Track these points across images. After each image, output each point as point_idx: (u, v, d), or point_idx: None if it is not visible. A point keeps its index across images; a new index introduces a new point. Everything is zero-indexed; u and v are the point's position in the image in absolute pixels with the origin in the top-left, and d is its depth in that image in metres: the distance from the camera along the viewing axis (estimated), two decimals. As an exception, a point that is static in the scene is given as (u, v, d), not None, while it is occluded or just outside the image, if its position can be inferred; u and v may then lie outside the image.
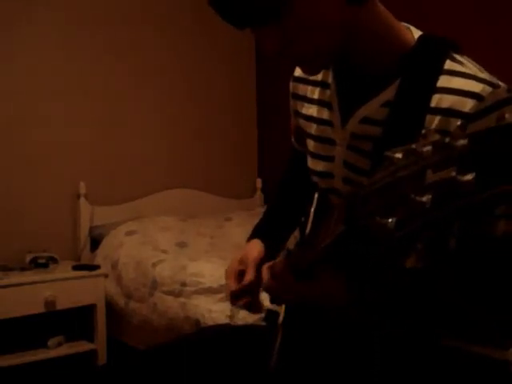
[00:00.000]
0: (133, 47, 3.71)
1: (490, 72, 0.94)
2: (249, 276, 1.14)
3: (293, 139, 1.33)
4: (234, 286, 1.17)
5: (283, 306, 1.18)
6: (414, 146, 0.57)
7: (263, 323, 1.28)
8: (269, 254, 1.20)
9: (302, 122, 1.17)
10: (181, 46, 3.90)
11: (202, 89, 4.00)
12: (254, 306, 1.17)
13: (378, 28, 0.96)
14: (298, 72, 1.18)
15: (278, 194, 1.39)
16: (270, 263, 1.03)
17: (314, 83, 1.12)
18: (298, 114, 1.18)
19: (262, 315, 1.29)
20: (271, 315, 1.25)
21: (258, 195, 4.21)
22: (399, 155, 0.59)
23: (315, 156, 1.12)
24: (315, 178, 1.14)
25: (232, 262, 1.22)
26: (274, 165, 4.08)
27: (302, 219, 1.28)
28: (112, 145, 3.62)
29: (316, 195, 1.19)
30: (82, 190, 3.44)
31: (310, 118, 1.13)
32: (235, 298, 1.17)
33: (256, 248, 1.21)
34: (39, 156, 3.36)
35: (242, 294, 1.16)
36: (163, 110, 3.85)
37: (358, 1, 0.92)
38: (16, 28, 3.29)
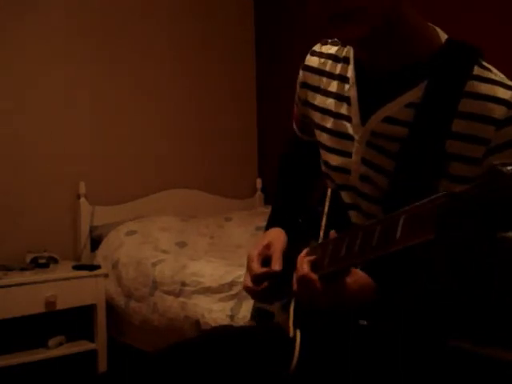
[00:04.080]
0: (132, 48, 3.71)
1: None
2: (277, 265, 1.14)
3: (295, 127, 1.32)
4: (258, 268, 1.16)
5: (291, 309, 1.16)
6: None
7: (252, 322, 1.27)
8: (290, 242, 1.20)
9: (313, 113, 1.16)
10: (181, 46, 3.90)
11: (202, 89, 4.00)
12: (270, 294, 1.16)
13: (413, 25, 0.98)
14: (310, 61, 1.18)
15: (284, 182, 1.38)
16: (306, 251, 1.03)
17: (330, 75, 1.12)
18: (308, 104, 1.18)
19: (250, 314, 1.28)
20: (260, 314, 1.24)
21: (258, 195, 4.21)
22: (510, 169, 0.59)
23: (330, 150, 1.11)
24: (330, 172, 1.14)
25: (255, 247, 1.20)
26: (274, 165, 4.07)
27: (310, 218, 1.27)
28: (112, 145, 3.62)
29: (328, 194, 1.18)
30: (82, 190, 3.44)
31: (325, 111, 1.12)
32: (257, 281, 1.15)
33: (280, 237, 1.21)
34: (39, 156, 3.36)
35: (264, 279, 1.15)
36: (163, 110, 3.85)
37: None
38: (16, 28, 3.29)
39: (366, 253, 0.84)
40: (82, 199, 3.45)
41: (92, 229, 3.48)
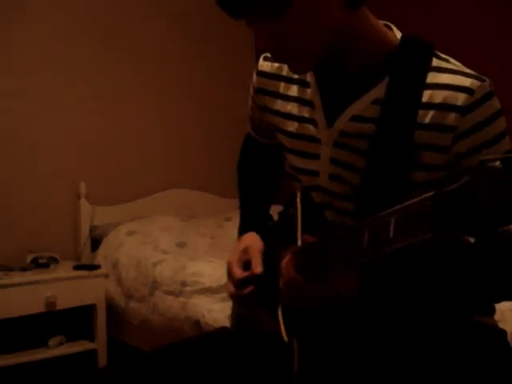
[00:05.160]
0: (133, 47, 3.71)
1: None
2: (258, 267, 1.14)
3: (251, 131, 1.32)
4: (240, 273, 1.16)
5: (279, 314, 1.16)
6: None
7: (231, 327, 1.26)
8: (265, 245, 1.21)
9: (273, 118, 1.16)
10: (181, 46, 3.91)
11: (202, 89, 4.00)
12: (255, 298, 1.16)
13: (366, 31, 1.00)
14: (264, 67, 1.18)
15: (248, 186, 1.38)
16: (290, 256, 1.03)
17: (289, 80, 1.12)
18: (267, 110, 1.17)
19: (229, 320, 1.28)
20: (241, 320, 1.24)
21: (258, 195, 4.20)
22: (498, 164, 0.60)
23: (296, 153, 1.11)
24: (296, 174, 1.14)
25: (233, 253, 1.21)
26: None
27: (282, 220, 1.27)
28: (112, 145, 3.63)
29: (298, 195, 1.18)
30: (83, 190, 3.44)
31: (287, 116, 1.12)
32: (240, 286, 1.16)
33: (256, 240, 1.22)
34: (39, 156, 3.36)
35: (247, 284, 1.15)
36: (163, 110, 3.85)
37: (354, 6, 0.96)
38: (15, 26, 3.29)
39: (358, 256, 0.84)
40: (82, 199, 3.45)
41: (92, 229, 3.48)
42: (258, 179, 1.37)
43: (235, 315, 1.28)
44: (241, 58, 4.15)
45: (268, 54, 1.18)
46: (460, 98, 0.93)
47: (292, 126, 1.11)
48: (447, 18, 3.01)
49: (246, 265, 1.18)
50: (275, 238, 1.21)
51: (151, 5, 3.79)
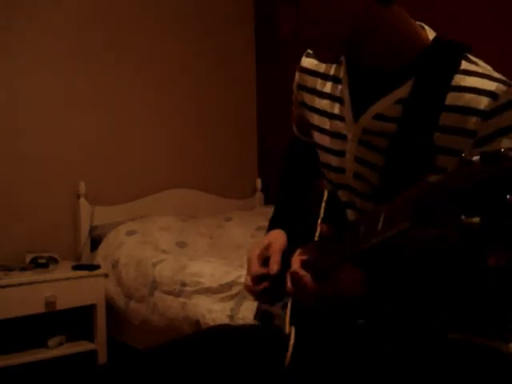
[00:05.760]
0: (133, 47, 3.71)
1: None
2: (275, 266, 1.15)
3: (295, 128, 1.33)
4: (257, 269, 1.17)
5: (288, 307, 1.17)
6: (501, 150, 0.59)
7: (256, 322, 1.27)
8: (290, 244, 1.21)
9: (310, 114, 1.17)
10: (181, 46, 3.90)
11: (202, 89, 4.00)
12: (270, 294, 1.18)
13: (397, 28, 0.99)
14: (306, 63, 1.19)
15: (285, 183, 1.40)
16: (299, 251, 1.04)
17: (325, 77, 1.13)
18: (305, 106, 1.19)
19: (254, 315, 1.29)
20: (263, 315, 1.25)
21: (258, 195, 4.21)
22: (477, 158, 0.59)
23: (327, 150, 1.12)
24: (327, 172, 1.15)
25: (254, 248, 1.22)
26: (274, 165, 4.08)
27: (309, 219, 1.28)
28: (112, 145, 3.63)
29: (325, 194, 1.19)
30: (82, 190, 3.44)
31: (321, 112, 1.13)
32: (257, 282, 1.17)
33: (280, 238, 1.22)
34: (39, 156, 3.36)
35: (263, 280, 1.16)
36: (163, 110, 3.85)
37: (386, 0, 0.95)
38: (16, 26, 3.29)
39: (352, 247, 0.85)
40: (82, 199, 3.45)
41: (92, 229, 3.48)
42: (297, 177, 1.38)
43: (258, 310, 1.29)
44: (241, 58, 4.15)
45: (309, 51, 1.19)
46: (483, 102, 0.91)
47: (325, 123, 1.12)
48: (447, 18, 3.01)
49: (267, 261, 1.19)
50: (301, 236, 1.22)
51: (151, 4, 3.79)
